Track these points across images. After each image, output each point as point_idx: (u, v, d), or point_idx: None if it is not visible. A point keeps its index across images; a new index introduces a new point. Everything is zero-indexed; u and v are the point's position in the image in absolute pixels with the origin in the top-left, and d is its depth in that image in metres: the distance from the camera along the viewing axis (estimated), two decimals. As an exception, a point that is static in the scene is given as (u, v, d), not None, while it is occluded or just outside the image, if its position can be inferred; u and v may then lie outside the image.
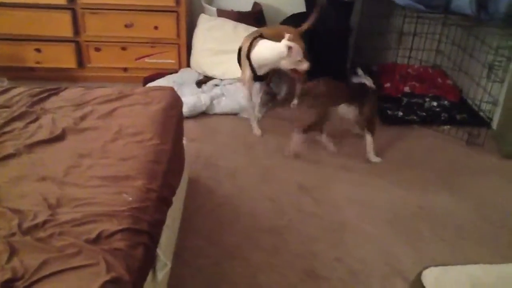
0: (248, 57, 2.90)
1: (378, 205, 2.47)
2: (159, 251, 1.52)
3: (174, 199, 1.76)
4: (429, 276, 1.40)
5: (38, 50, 3.60)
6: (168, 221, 1.68)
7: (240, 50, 3.01)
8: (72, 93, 2.17)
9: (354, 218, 2.36)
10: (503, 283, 1.35)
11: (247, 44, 2.92)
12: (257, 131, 3.09)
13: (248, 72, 2.94)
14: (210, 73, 3.62)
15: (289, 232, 2.24)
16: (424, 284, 1.37)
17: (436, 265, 1.46)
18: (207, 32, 3.65)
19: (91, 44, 3.63)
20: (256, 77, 2.99)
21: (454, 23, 3.62)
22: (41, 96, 2.11)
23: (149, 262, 1.41)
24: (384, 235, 2.26)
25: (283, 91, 3.64)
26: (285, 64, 2.82)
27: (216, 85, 3.53)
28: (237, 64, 3.44)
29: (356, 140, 3.08)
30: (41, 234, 1.29)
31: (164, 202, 1.63)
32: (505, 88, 3.08)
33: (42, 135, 1.79)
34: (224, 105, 3.32)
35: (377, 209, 2.43)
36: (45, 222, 1.33)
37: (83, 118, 1.94)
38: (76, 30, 3.55)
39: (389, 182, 2.67)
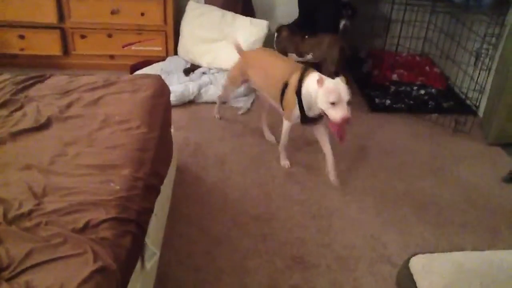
0: (298, 93, 2.34)
1: (364, 191, 2.48)
2: (147, 240, 1.51)
3: (162, 187, 1.75)
4: (417, 263, 1.42)
5: (21, 37, 3.54)
6: (157, 209, 1.67)
7: (286, 84, 2.40)
8: (57, 80, 2.14)
9: (340, 205, 2.38)
10: (487, 269, 1.37)
11: (296, 76, 2.37)
12: (285, 161, 2.67)
13: (295, 111, 2.39)
14: (198, 61, 3.59)
15: (276, 219, 2.25)
16: (412, 272, 1.40)
17: (422, 251, 1.49)
18: (195, 20, 3.61)
19: (76, 30, 3.57)
20: (306, 119, 2.41)
21: (442, 10, 3.63)
22: (26, 83, 2.08)
23: (137, 251, 1.40)
24: (371, 221, 2.28)
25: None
26: (319, 103, 2.24)
27: (204, 73, 3.51)
28: (226, 54, 3.41)
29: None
30: (27, 223, 1.28)
31: (152, 191, 1.62)
32: (491, 76, 3.11)
33: (27, 123, 1.77)
34: (212, 93, 3.29)
35: (363, 195, 2.45)
36: (31, 211, 1.32)
37: (68, 106, 1.92)
38: (61, 17, 3.49)
39: (375, 168, 2.69)
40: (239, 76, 2.78)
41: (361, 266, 2.00)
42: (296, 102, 2.37)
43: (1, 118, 1.81)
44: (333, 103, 2.15)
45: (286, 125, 2.55)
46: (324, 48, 3.36)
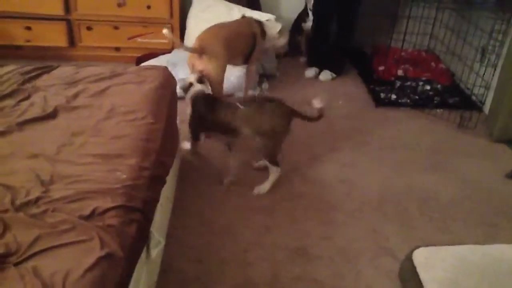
0: None
1: (366, 185, 2.49)
2: (152, 229, 1.53)
3: (168, 178, 1.77)
4: (419, 256, 1.43)
5: (28, 28, 3.55)
6: (162, 199, 1.69)
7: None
8: (64, 71, 2.16)
9: (343, 198, 2.38)
10: (488, 262, 1.39)
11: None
12: None
13: None
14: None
15: (279, 211, 2.26)
16: (415, 264, 1.41)
17: (424, 245, 1.49)
18: (202, 13, 3.61)
19: (82, 22, 3.58)
20: None
21: (448, 7, 3.62)
22: (33, 74, 2.09)
23: (142, 239, 1.42)
24: (373, 214, 2.28)
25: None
26: None
27: (209, 65, 3.51)
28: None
29: (345, 123, 3.10)
30: (34, 210, 1.30)
31: (158, 180, 1.63)
32: (497, 73, 3.10)
33: (34, 112, 1.79)
34: (217, 86, 3.30)
35: (366, 189, 2.46)
36: (38, 199, 1.34)
37: (75, 96, 1.93)
38: (67, 8, 3.50)
39: (378, 163, 2.69)
40: None
41: (364, 259, 2.01)
42: None
43: (9, 107, 1.83)
44: None
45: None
46: None
